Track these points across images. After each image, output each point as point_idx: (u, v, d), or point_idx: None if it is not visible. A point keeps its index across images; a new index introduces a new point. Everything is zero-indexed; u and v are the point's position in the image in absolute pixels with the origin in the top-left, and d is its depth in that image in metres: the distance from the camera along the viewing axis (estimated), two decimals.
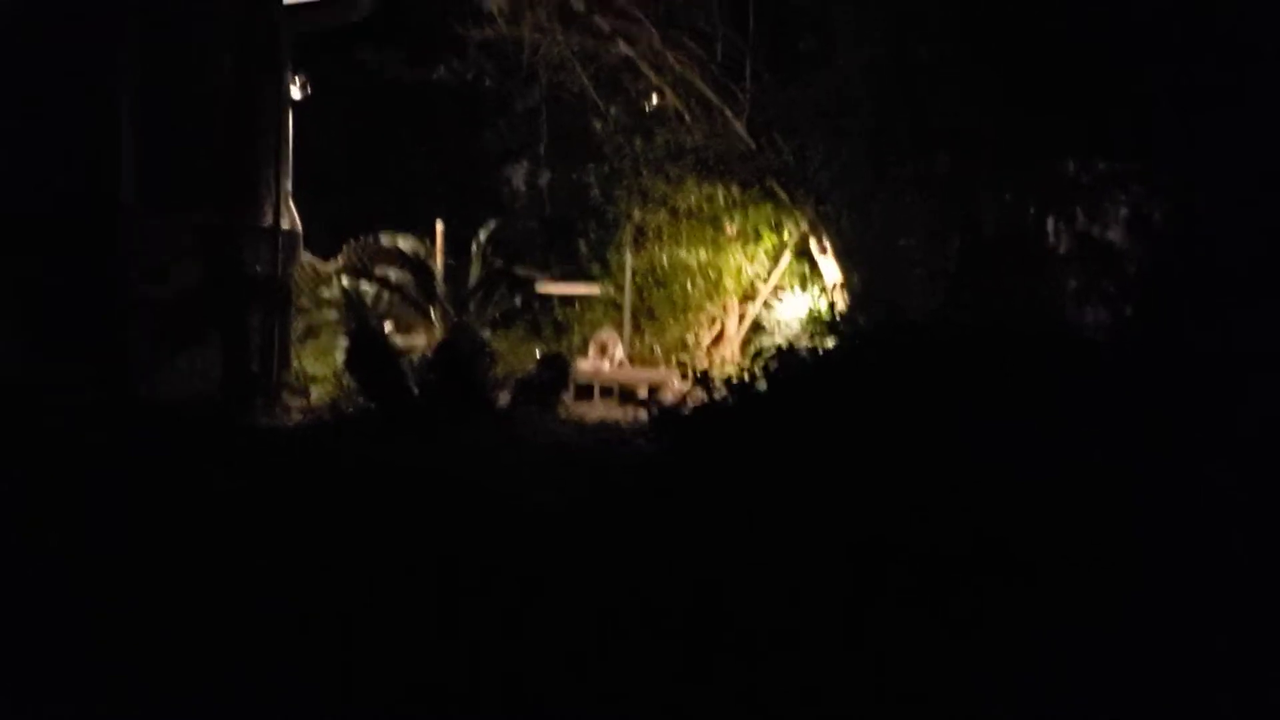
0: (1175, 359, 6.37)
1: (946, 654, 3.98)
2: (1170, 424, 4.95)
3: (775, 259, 11.79)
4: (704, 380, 6.72)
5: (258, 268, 9.13)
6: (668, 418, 6.42)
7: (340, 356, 8.96)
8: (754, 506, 5.25)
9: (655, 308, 11.82)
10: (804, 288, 11.29)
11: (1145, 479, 4.67)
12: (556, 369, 9.10)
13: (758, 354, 7.49)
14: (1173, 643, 3.95)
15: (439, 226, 10.53)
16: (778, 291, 11.86)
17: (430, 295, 9.46)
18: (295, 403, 9.07)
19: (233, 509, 6.03)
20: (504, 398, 9.16)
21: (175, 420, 8.05)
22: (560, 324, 12.01)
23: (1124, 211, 10.30)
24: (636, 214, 11.72)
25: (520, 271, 10.76)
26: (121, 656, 4.13)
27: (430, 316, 9.55)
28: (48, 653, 4.19)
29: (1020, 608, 4.14)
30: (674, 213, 11.75)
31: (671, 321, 11.76)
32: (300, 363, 9.47)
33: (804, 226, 11.29)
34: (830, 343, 10.60)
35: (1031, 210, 10.50)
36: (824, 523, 4.98)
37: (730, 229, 11.72)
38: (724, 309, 11.94)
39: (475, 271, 9.46)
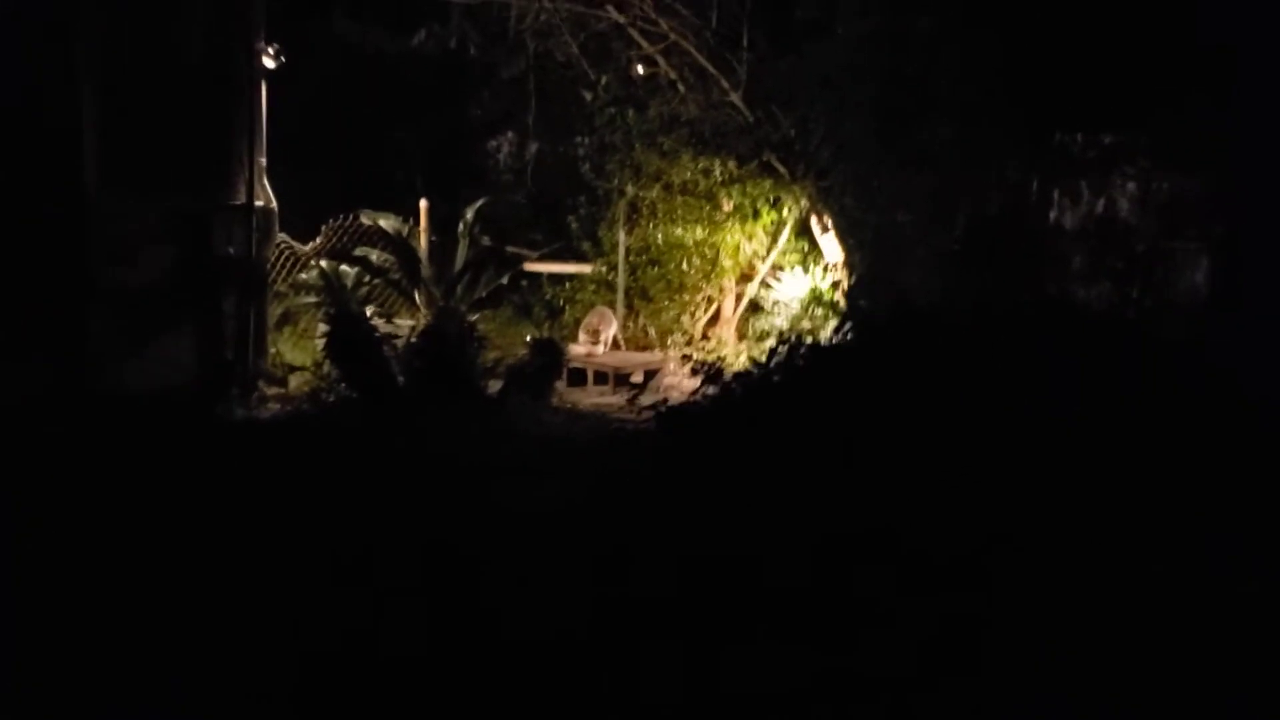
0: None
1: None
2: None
3: (774, 237, 11.34)
4: (715, 377, 6.28)
5: (231, 249, 8.60)
6: (675, 420, 5.97)
7: (320, 343, 8.46)
8: (772, 527, 4.84)
9: (649, 287, 11.35)
10: (805, 267, 10.82)
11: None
12: (549, 355, 8.63)
13: (775, 346, 7.04)
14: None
15: (423, 205, 9.98)
16: (776, 271, 11.41)
17: (414, 277, 8.94)
18: (273, 392, 8.57)
19: (196, 519, 5.57)
20: (494, 385, 8.71)
21: (142, 413, 7.55)
22: (551, 305, 11.52)
23: (1130, 185, 9.96)
24: (630, 189, 11.22)
25: (511, 251, 10.23)
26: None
27: (415, 300, 9.04)
28: None
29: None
30: (668, 188, 11.27)
31: (666, 302, 11.29)
32: (278, 350, 8.96)
33: (804, 203, 10.82)
34: (834, 326, 10.23)
35: (1035, 185, 10.14)
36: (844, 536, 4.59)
37: (727, 205, 11.25)
38: (720, 289, 11.49)
39: (463, 251, 8.94)
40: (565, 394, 9.31)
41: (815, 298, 10.47)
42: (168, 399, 8.08)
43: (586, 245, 11.80)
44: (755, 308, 11.61)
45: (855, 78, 9.86)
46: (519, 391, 8.51)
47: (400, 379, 8.35)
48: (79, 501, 5.72)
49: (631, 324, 11.32)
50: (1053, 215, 10.26)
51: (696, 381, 10.12)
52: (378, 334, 8.44)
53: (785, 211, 11.10)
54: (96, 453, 6.52)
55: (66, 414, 7.22)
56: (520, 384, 8.55)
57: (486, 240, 9.35)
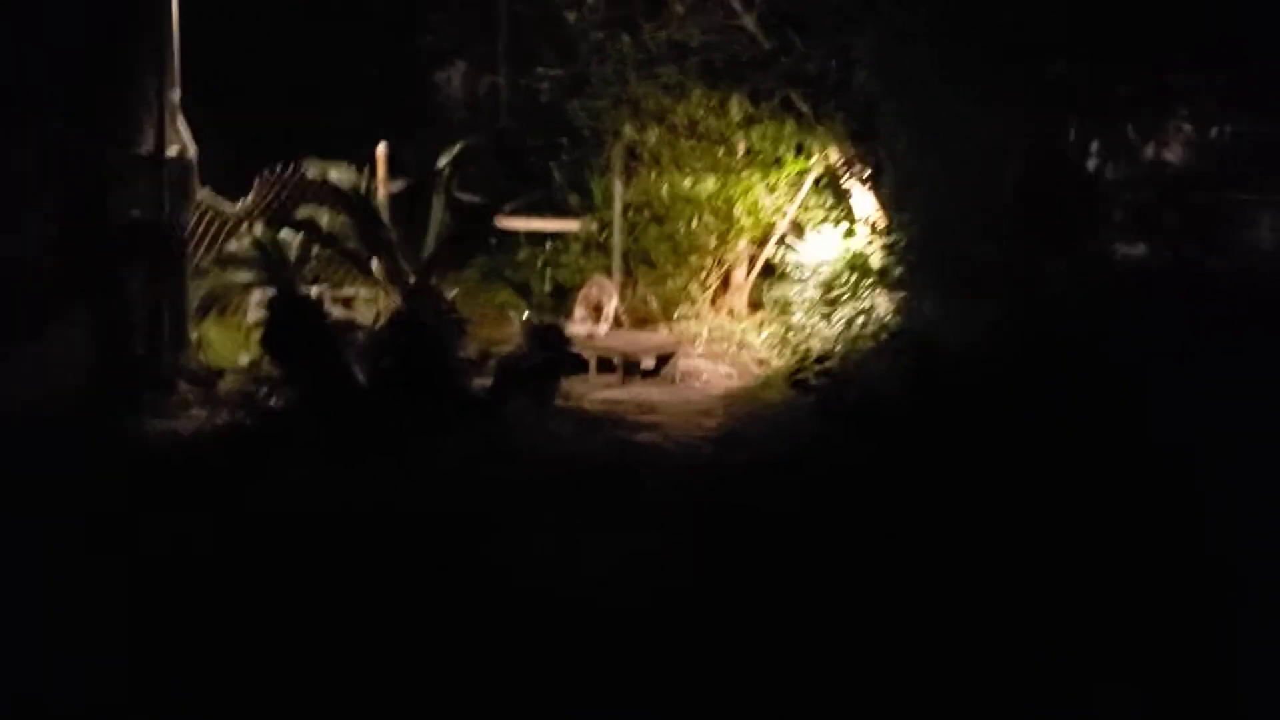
0: None
1: None
2: None
3: (795, 190, 9.57)
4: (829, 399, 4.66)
5: (136, 211, 6.61)
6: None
7: (256, 334, 6.53)
8: None
9: (651, 250, 9.51)
10: (849, 230, 9.05)
11: None
12: (552, 347, 6.78)
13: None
14: None
15: (381, 150, 8.03)
16: (796, 229, 9.65)
17: (376, 246, 7.01)
18: (197, 396, 6.64)
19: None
20: (479, 380, 6.88)
21: (14, 435, 5.60)
22: (537, 272, 9.65)
23: (1187, 129, 8.49)
24: (627, 131, 9.34)
25: (475, 201, 8.28)
26: None
27: (375, 274, 7.12)
28: None
29: None
30: (673, 130, 9.42)
31: (671, 268, 9.46)
32: (202, 342, 7.00)
33: (832, 150, 9.04)
34: (882, 298, 8.55)
35: (1076, 128, 8.58)
36: None
37: (741, 152, 9.46)
38: (734, 252, 9.70)
39: (438, 212, 7.01)
40: (566, 384, 7.48)
41: (855, 263, 8.72)
42: (55, 412, 6.13)
43: (573, 198, 9.91)
44: (768, 270, 9.87)
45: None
46: (515, 393, 6.69)
47: (362, 379, 6.48)
48: None
49: (630, 293, 9.49)
50: (1093, 163, 8.76)
51: (719, 368, 8.44)
52: (332, 322, 6.54)
53: (811, 160, 9.32)
54: None
55: None
56: (516, 383, 6.72)
57: (469, 198, 7.41)
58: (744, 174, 9.30)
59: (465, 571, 4.24)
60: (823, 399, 6.76)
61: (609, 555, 4.37)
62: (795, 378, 6.39)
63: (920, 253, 8.39)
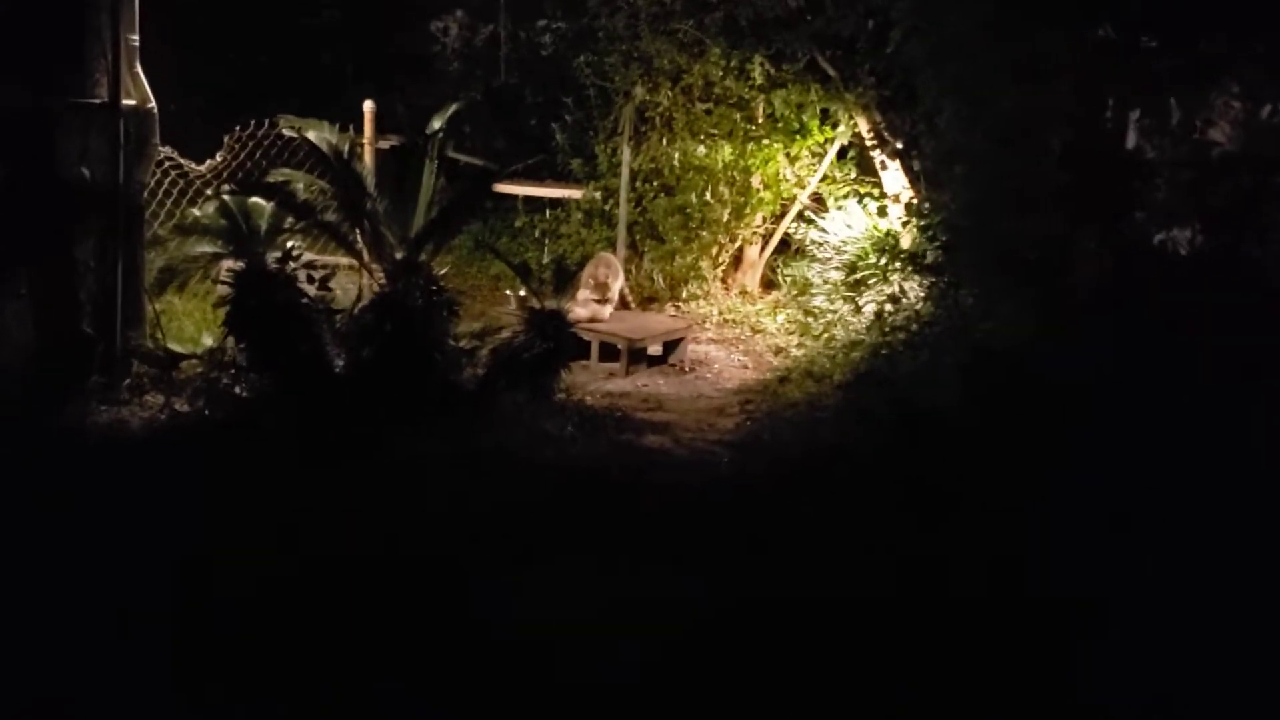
0: None
1: None
2: None
3: (818, 161, 8.81)
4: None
5: (86, 170, 5.83)
6: None
7: (221, 313, 5.78)
8: None
9: (659, 223, 8.75)
10: (880, 208, 8.30)
11: None
12: (553, 335, 6.03)
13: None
14: None
15: (368, 107, 7.24)
16: (816, 204, 8.91)
17: (358, 216, 6.22)
18: (152, 383, 5.91)
19: None
20: (471, 370, 6.13)
21: None
22: (536, 241, 8.92)
23: (1236, 106, 7.71)
24: (638, 91, 8.55)
25: (470, 161, 7.50)
26: None
27: (357, 247, 6.35)
28: None
29: None
30: (687, 92, 8.64)
31: (681, 243, 8.70)
32: (160, 319, 6.24)
33: (861, 119, 8.26)
34: (912, 284, 7.84)
35: (1110, 103, 7.82)
36: None
37: (762, 118, 8.69)
38: (748, 226, 8.95)
39: (429, 178, 6.22)
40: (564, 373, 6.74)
41: (883, 244, 8.00)
42: None
43: (576, 163, 9.14)
44: (783, 245, 9.13)
45: None
46: (511, 385, 5.96)
47: (340, 366, 5.76)
48: None
49: (635, 269, 8.75)
50: (1133, 140, 7.98)
51: (733, 356, 7.73)
52: (306, 300, 5.79)
53: (838, 129, 8.56)
54: None
55: None
56: (512, 374, 5.99)
57: (464, 160, 6.60)
58: (764, 142, 8.54)
59: (428, 627, 3.55)
60: (853, 400, 6.08)
61: (602, 607, 3.67)
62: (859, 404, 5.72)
63: (960, 235, 7.69)
